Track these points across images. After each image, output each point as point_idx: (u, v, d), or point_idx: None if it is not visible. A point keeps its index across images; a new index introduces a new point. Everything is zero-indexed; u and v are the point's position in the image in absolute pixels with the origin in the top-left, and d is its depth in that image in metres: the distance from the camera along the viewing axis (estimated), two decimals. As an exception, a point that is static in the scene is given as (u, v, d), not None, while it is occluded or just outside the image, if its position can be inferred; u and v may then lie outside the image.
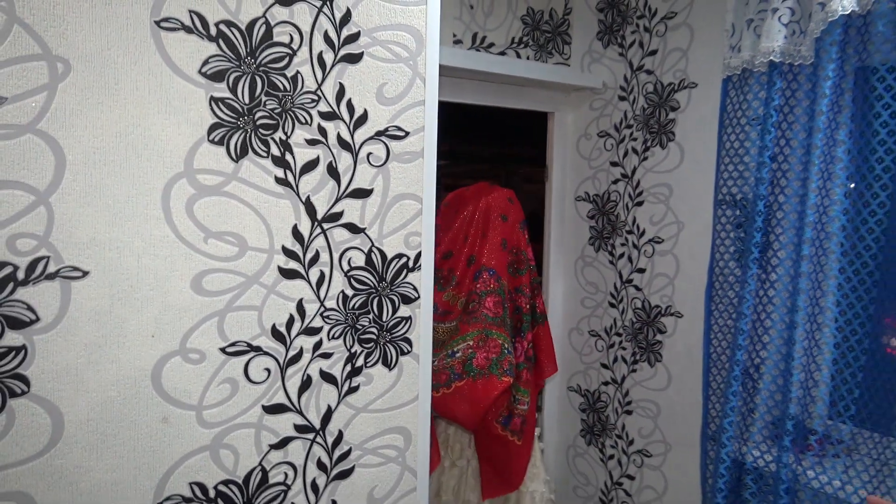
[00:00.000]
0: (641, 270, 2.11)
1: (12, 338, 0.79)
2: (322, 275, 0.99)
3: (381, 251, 1.05)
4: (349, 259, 1.02)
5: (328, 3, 0.95)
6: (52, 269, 0.81)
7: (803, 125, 1.60)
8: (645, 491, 2.15)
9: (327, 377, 1.02)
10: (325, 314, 1.01)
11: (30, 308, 0.80)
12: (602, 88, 2.19)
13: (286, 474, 1.00)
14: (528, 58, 2.12)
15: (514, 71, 1.97)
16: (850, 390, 1.59)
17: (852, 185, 1.55)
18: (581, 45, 2.24)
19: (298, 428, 1.00)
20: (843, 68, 1.52)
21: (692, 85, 1.92)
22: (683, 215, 1.97)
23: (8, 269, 0.78)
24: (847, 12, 1.44)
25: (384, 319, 1.06)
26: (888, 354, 1.52)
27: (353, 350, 1.04)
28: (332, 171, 0.99)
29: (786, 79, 1.61)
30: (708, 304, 1.85)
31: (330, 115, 0.97)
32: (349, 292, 1.02)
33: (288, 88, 0.93)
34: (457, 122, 2.11)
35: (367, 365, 1.06)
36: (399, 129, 1.04)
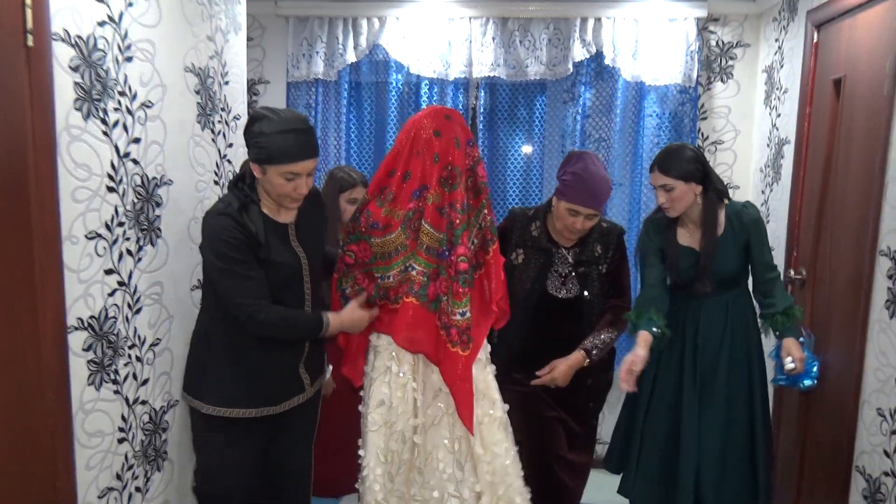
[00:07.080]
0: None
1: (154, 213, 1.78)
2: None
3: None
4: None
5: None
6: (166, 180, 1.82)
7: (333, 114, 3.29)
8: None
9: None
10: None
11: (160, 196, 1.80)
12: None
13: None
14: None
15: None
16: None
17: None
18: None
19: None
20: (353, 83, 3.26)
21: (266, 83, 3.36)
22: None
23: (154, 182, 1.77)
24: (352, 61, 3.18)
25: None
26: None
27: None
28: None
29: (324, 87, 3.26)
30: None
31: None
32: None
33: None
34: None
35: None
36: None
